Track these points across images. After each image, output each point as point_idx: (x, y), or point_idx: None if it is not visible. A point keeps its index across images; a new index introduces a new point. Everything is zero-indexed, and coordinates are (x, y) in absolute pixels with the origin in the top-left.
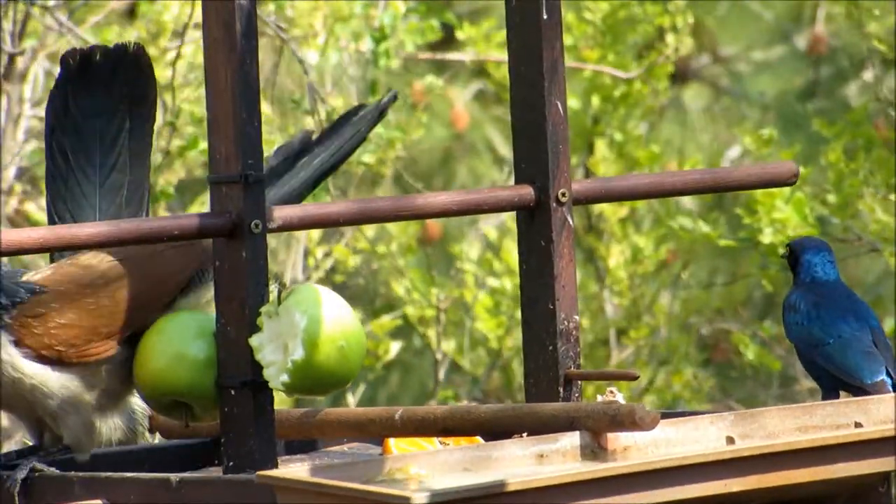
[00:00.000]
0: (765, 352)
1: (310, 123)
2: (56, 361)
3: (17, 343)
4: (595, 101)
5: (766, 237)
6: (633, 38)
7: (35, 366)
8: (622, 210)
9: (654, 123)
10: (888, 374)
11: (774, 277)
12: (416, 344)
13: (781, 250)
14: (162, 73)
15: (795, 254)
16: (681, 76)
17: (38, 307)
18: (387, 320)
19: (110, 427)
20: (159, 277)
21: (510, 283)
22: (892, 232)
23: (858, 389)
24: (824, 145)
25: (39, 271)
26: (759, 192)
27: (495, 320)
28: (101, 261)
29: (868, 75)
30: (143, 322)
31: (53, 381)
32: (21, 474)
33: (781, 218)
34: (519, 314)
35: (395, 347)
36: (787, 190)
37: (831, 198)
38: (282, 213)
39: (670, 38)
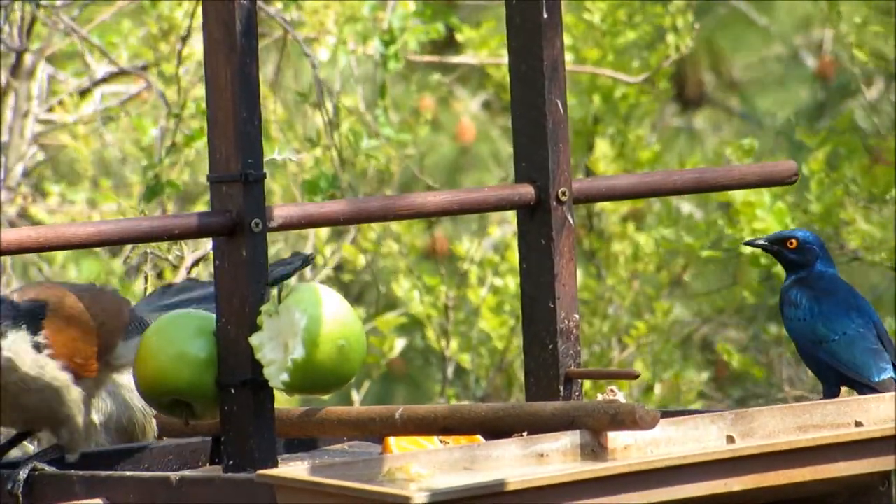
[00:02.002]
0: (749, 360)
1: (318, 118)
2: (74, 373)
3: (53, 355)
4: (596, 100)
5: (748, 247)
6: (633, 38)
7: (64, 375)
8: (623, 208)
9: (665, 142)
10: (894, 369)
11: (757, 289)
12: (419, 344)
13: (791, 243)
14: (171, 72)
15: (803, 247)
16: (693, 101)
17: (54, 323)
18: (392, 317)
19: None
20: (113, 310)
21: (514, 283)
22: (874, 241)
23: (864, 386)
24: (808, 154)
25: (18, 292)
26: (739, 202)
27: (499, 319)
28: (61, 290)
29: (873, 93)
30: (113, 348)
31: (73, 389)
32: (23, 474)
33: (763, 228)
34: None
35: (399, 344)
36: (768, 199)
37: (814, 207)
38: (282, 211)
39: (671, 38)
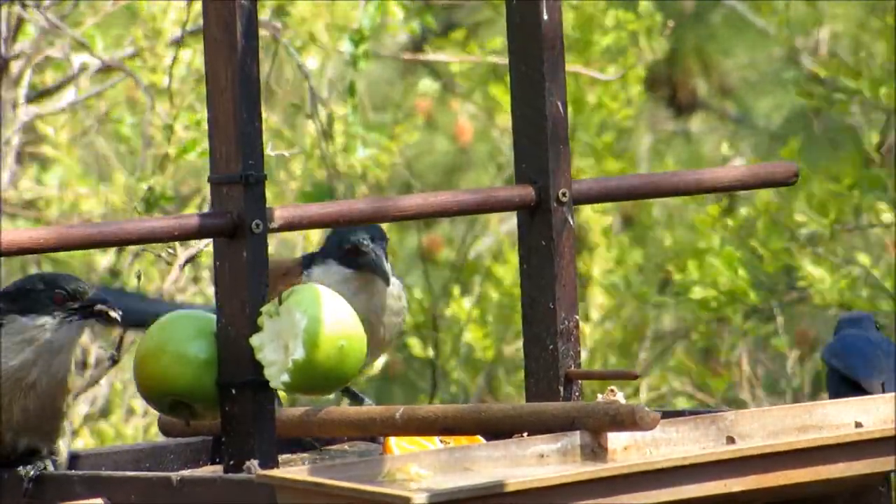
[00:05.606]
0: (706, 371)
1: (310, 127)
2: None
3: None
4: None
5: (697, 293)
6: (607, 44)
7: None
8: (606, 219)
9: (661, 148)
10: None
11: (705, 332)
12: (404, 353)
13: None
14: (159, 79)
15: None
16: (687, 107)
17: None
18: None
19: None
20: None
21: (496, 293)
22: (822, 284)
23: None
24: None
25: None
26: (688, 250)
27: (483, 331)
28: None
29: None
30: None
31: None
32: (31, 473)
33: (713, 273)
34: (505, 325)
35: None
36: (716, 243)
37: (762, 252)
38: (283, 212)
39: (643, 42)
